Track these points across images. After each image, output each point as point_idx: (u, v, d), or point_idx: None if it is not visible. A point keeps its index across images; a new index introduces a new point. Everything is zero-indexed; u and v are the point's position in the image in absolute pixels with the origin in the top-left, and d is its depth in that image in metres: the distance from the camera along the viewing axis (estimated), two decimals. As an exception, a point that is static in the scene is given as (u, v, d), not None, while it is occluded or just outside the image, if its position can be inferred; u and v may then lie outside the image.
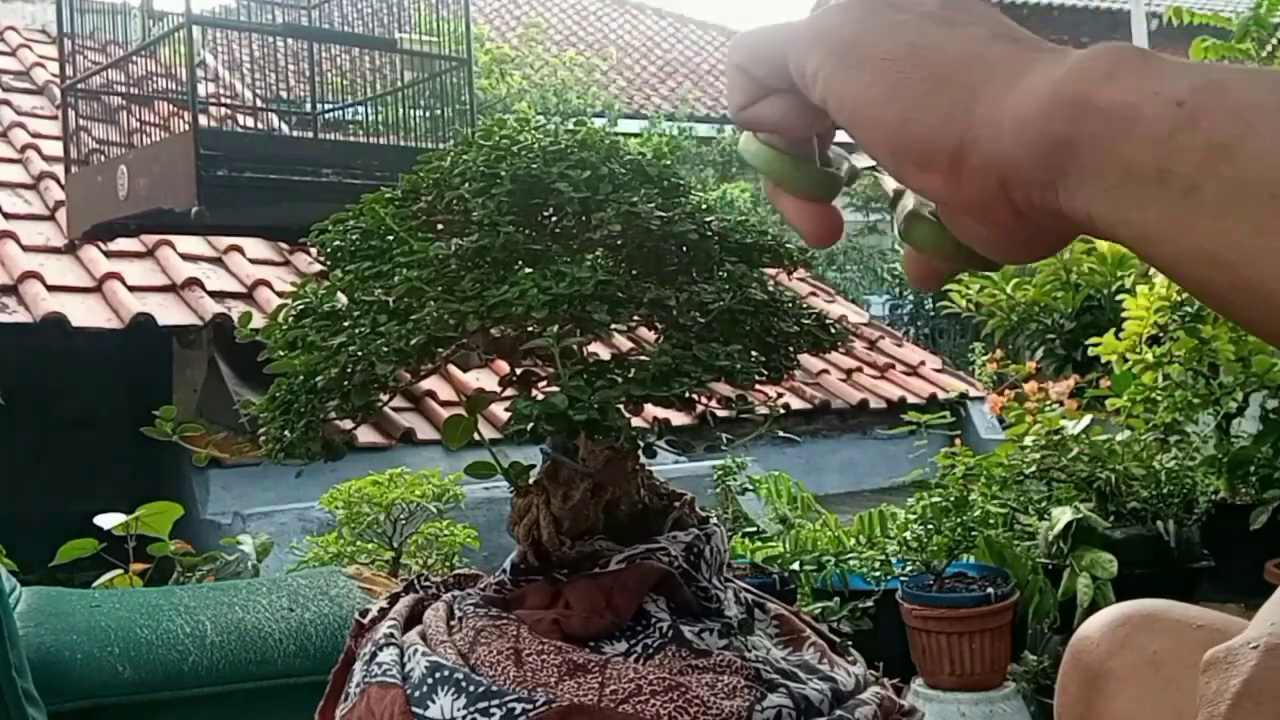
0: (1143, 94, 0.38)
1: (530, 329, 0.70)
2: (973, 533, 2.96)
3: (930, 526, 2.97)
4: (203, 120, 3.82)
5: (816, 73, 0.47)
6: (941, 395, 6.83)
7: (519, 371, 0.77)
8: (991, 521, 3.10)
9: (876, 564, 3.20)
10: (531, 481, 0.78)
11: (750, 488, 4.04)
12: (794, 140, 0.54)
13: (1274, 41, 3.95)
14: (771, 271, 0.81)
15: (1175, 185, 0.37)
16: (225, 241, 5.60)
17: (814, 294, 8.21)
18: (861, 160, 0.57)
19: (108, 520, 2.70)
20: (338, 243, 0.79)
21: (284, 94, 4.62)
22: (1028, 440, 3.33)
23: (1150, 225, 0.38)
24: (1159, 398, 3.45)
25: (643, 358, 0.70)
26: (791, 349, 0.77)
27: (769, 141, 0.55)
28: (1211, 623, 0.90)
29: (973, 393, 6.93)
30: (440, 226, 0.78)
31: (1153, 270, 4.07)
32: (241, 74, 4.80)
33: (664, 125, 10.88)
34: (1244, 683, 0.67)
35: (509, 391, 0.76)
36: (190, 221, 3.52)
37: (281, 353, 0.76)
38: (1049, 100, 0.40)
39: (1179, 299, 3.45)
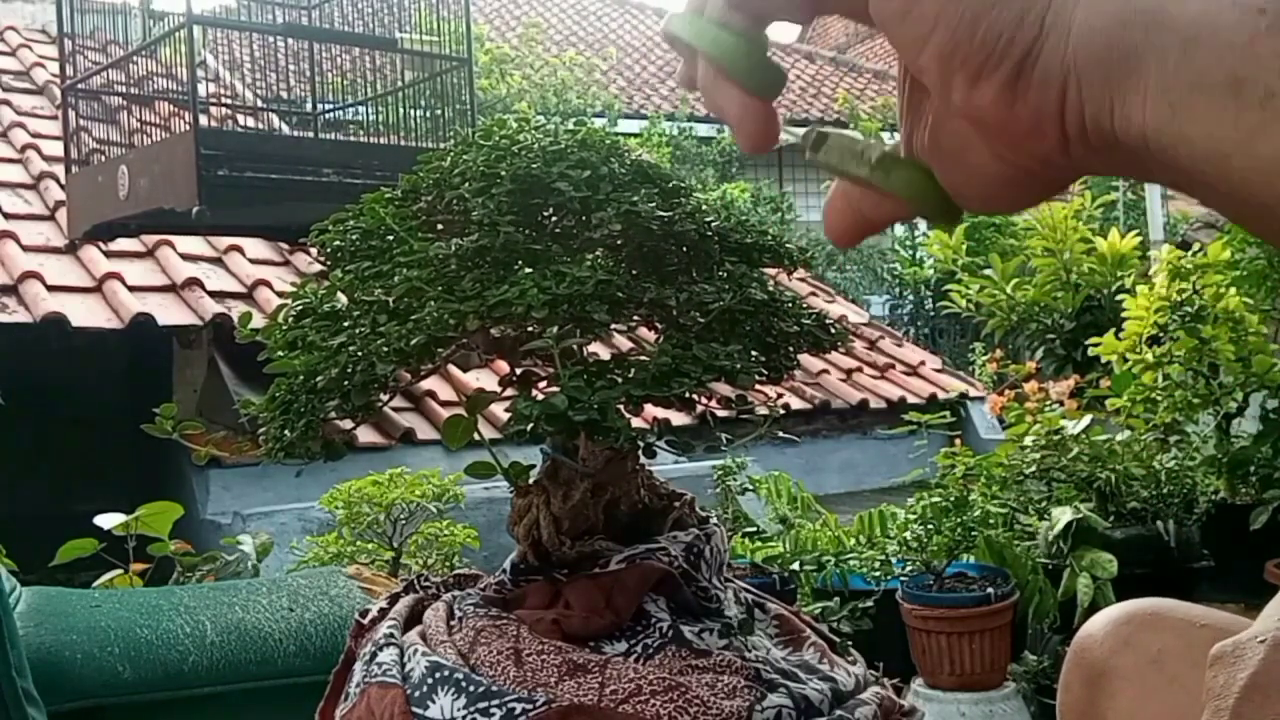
0: (1221, 4, 0.36)
1: (530, 329, 0.70)
2: (973, 533, 2.96)
3: (930, 526, 2.97)
4: (203, 120, 3.81)
5: None
6: (941, 395, 6.83)
7: (519, 371, 0.77)
8: (991, 521, 3.10)
9: (876, 564, 3.20)
10: (531, 481, 0.78)
11: (750, 488, 4.04)
12: (755, 22, 0.49)
13: None
14: (771, 271, 0.81)
15: (1251, 94, 0.35)
16: (225, 241, 5.60)
17: (814, 294, 8.21)
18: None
19: (108, 520, 2.70)
20: (338, 243, 0.79)
21: (284, 94, 4.62)
22: (1028, 440, 3.33)
23: (1218, 140, 0.36)
24: (1159, 398, 3.45)
25: (643, 358, 0.70)
26: (791, 349, 0.77)
27: (724, 19, 0.49)
28: (1215, 621, 0.90)
29: (973, 393, 6.93)
30: (440, 226, 0.78)
31: (1153, 270, 4.07)
32: (241, 74, 4.80)
33: (664, 125, 10.88)
34: (1251, 676, 0.67)
35: (509, 391, 0.76)
36: (191, 221, 3.52)
37: (281, 353, 0.76)
38: (1122, 8, 0.38)
39: (1179, 299, 3.45)
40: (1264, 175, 0.35)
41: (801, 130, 0.52)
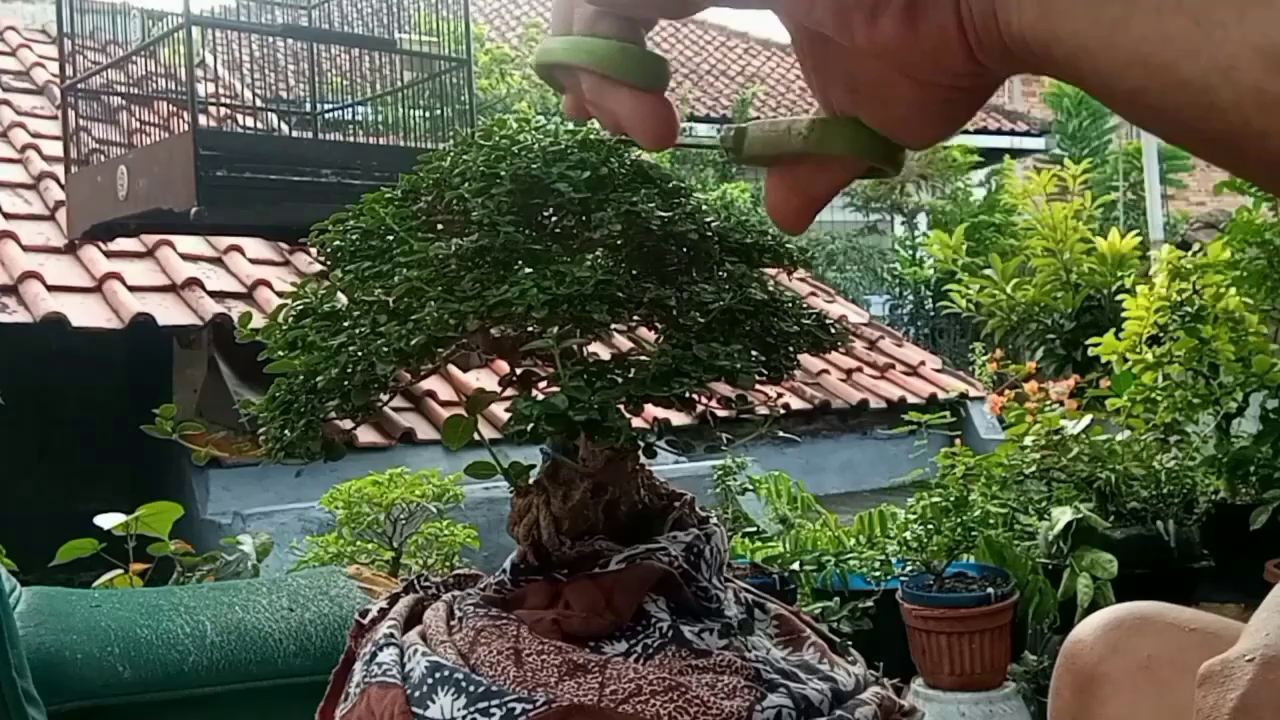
0: None
1: (530, 329, 0.70)
2: (973, 533, 2.96)
3: (930, 526, 2.97)
4: (203, 120, 3.82)
5: None
6: (941, 395, 6.83)
7: (519, 372, 0.77)
8: (991, 521, 3.10)
9: (876, 564, 3.21)
10: (531, 481, 0.78)
11: (750, 488, 4.04)
12: (624, 24, 0.49)
13: None
14: (771, 271, 0.81)
15: None
16: (225, 241, 5.60)
17: (814, 294, 8.21)
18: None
19: (108, 520, 2.70)
20: (338, 243, 0.79)
21: (284, 94, 4.62)
22: (1028, 440, 3.33)
23: (1083, 37, 0.37)
24: (1159, 398, 3.46)
25: (643, 358, 0.70)
26: (791, 349, 0.77)
27: (593, 31, 0.49)
28: (1205, 625, 0.90)
29: (973, 393, 6.93)
30: (440, 226, 0.78)
31: (1153, 270, 4.07)
32: (241, 74, 4.80)
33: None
34: (1240, 698, 0.67)
35: (509, 391, 0.76)
36: (189, 221, 3.53)
37: (281, 353, 0.75)
38: None
39: (1179, 299, 3.45)
40: (1126, 70, 0.37)
41: (700, 128, 0.53)
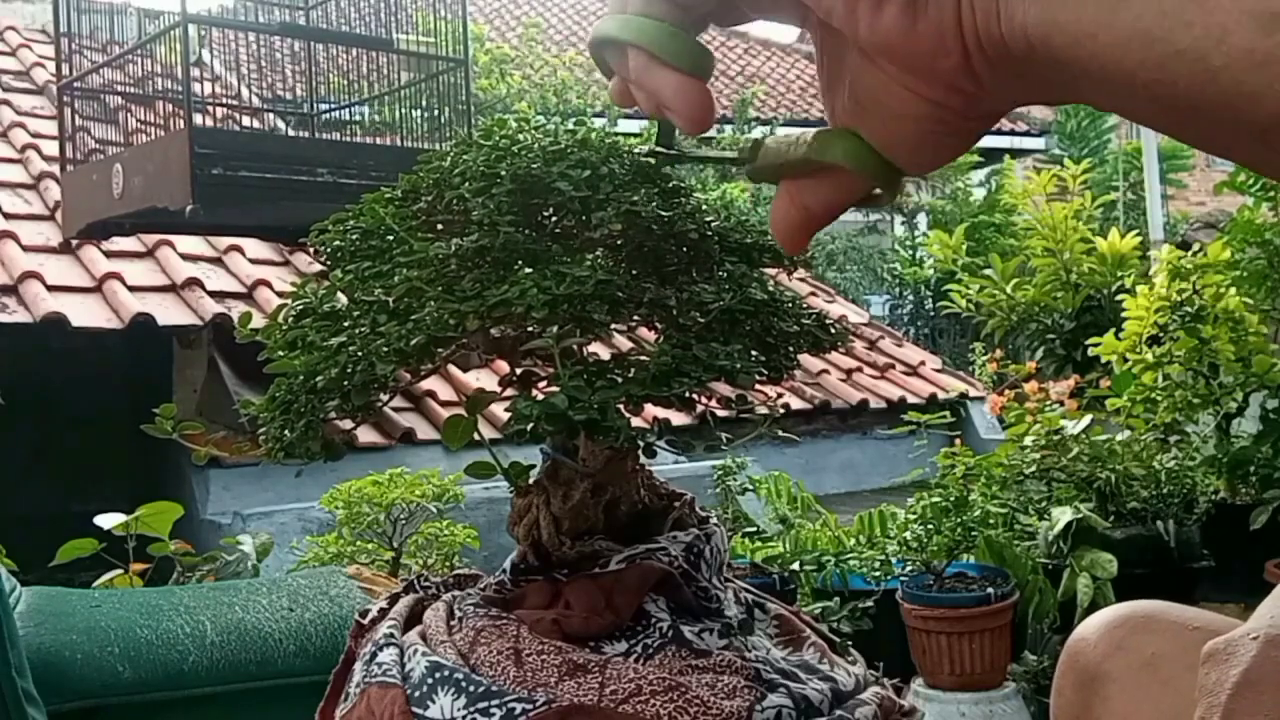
0: None
1: (530, 329, 0.70)
2: (973, 533, 2.96)
3: (930, 526, 2.97)
4: (204, 120, 3.81)
5: None
6: (941, 395, 6.83)
7: (519, 371, 0.77)
8: (991, 521, 3.10)
9: (876, 564, 3.21)
10: (531, 481, 0.78)
11: (750, 488, 4.04)
12: (680, 13, 0.51)
13: None
14: (771, 271, 0.81)
15: None
16: (225, 241, 5.60)
17: (814, 294, 8.21)
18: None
19: (108, 520, 2.70)
20: (338, 243, 0.79)
21: (283, 94, 4.62)
22: (1028, 440, 3.33)
23: (1084, 21, 0.39)
24: (1159, 398, 3.46)
25: (643, 358, 0.70)
26: (791, 349, 0.77)
27: (646, 12, 0.51)
28: (1208, 624, 0.90)
29: (973, 393, 6.93)
30: (440, 226, 0.78)
31: (1153, 270, 4.07)
32: (239, 74, 4.80)
33: (664, 125, 10.85)
34: (1243, 673, 0.67)
35: (509, 391, 0.76)
36: (185, 220, 3.52)
37: (281, 353, 0.75)
38: None
39: (1179, 299, 3.45)
40: (1126, 49, 0.38)
41: (706, 146, 0.54)
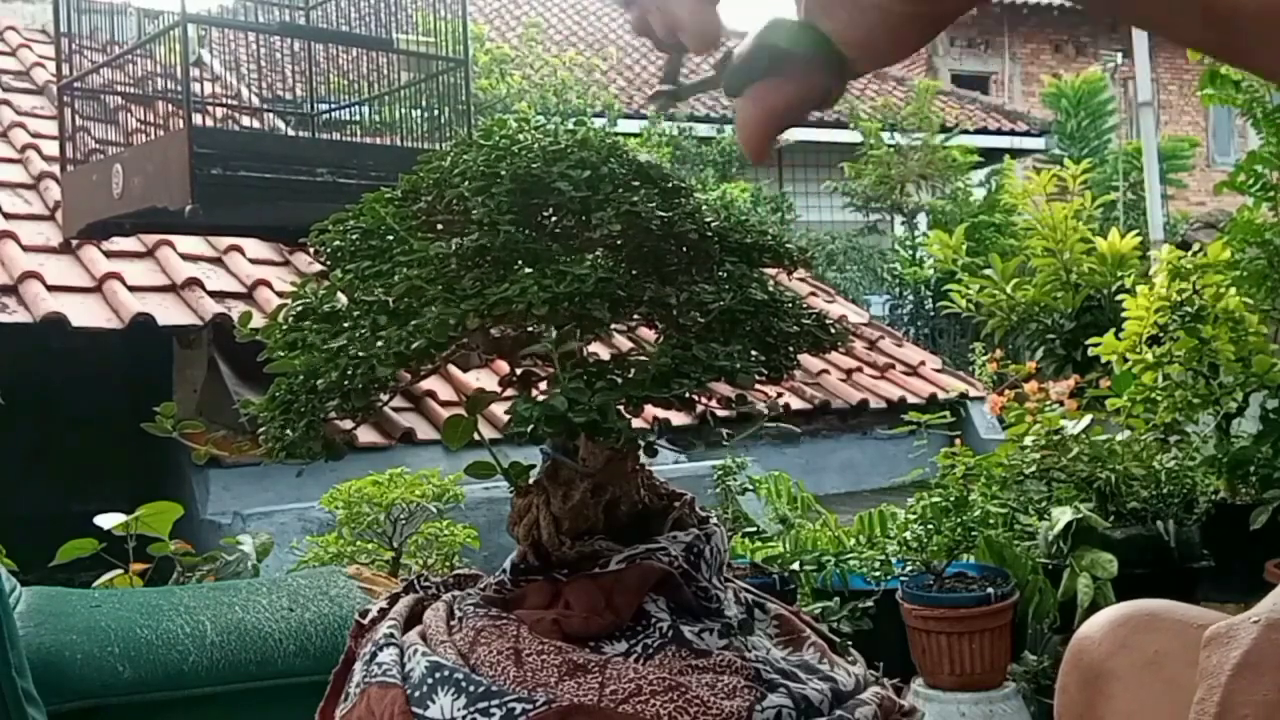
0: None
1: (530, 329, 0.70)
2: (973, 533, 2.96)
3: (930, 526, 2.97)
4: (204, 120, 3.81)
5: None
6: (941, 395, 6.83)
7: (519, 372, 0.77)
8: (991, 521, 3.10)
9: (876, 564, 3.20)
10: (531, 481, 0.78)
11: (750, 488, 4.03)
12: None
13: None
14: (771, 271, 0.81)
15: None
16: (225, 241, 5.60)
17: (814, 294, 8.21)
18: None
19: (108, 520, 2.69)
20: (338, 242, 0.79)
21: (283, 94, 4.62)
22: (1028, 440, 3.33)
23: None
24: (1159, 398, 3.45)
25: (643, 358, 0.70)
26: (791, 349, 0.77)
27: None
28: (1212, 623, 0.90)
29: (973, 393, 6.93)
30: (440, 226, 0.78)
31: (1153, 270, 4.07)
32: (239, 74, 4.80)
33: (664, 125, 10.87)
34: (1244, 654, 0.67)
35: (509, 392, 0.76)
36: (185, 220, 3.51)
37: (281, 353, 0.75)
38: None
39: (1179, 299, 3.45)
40: None
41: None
